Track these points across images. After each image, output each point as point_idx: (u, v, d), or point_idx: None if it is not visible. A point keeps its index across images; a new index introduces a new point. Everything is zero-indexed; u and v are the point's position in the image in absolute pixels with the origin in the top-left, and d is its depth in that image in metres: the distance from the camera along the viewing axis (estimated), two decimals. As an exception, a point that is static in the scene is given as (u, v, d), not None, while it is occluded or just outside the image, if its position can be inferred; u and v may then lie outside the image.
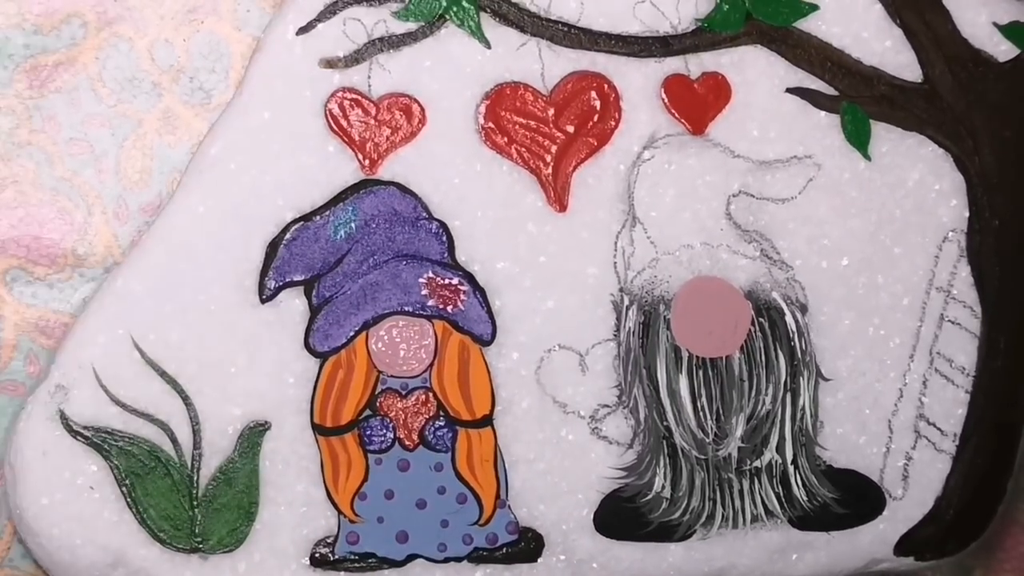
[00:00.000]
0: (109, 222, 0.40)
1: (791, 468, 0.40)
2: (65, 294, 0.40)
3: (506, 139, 0.38)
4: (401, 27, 0.38)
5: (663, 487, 0.40)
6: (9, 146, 0.39)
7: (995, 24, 0.40)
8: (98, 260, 0.39)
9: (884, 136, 0.40)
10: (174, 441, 0.38)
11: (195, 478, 0.38)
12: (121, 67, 0.39)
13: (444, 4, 0.38)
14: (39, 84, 0.39)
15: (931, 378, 0.40)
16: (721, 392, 0.40)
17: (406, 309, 0.38)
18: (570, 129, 0.39)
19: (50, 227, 0.39)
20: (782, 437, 0.40)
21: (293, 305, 0.38)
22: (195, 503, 0.38)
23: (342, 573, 0.39)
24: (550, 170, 0.39)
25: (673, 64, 0.39)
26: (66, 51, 0.39)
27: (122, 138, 0.40)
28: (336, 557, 0.39)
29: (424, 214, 0.38)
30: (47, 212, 0.39)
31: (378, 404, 0.39)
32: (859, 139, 0.40)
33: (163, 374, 0.38)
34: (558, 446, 0.39)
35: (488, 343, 0.39)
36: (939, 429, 0.41)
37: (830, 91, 0.40)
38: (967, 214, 0.40)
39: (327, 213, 0.38)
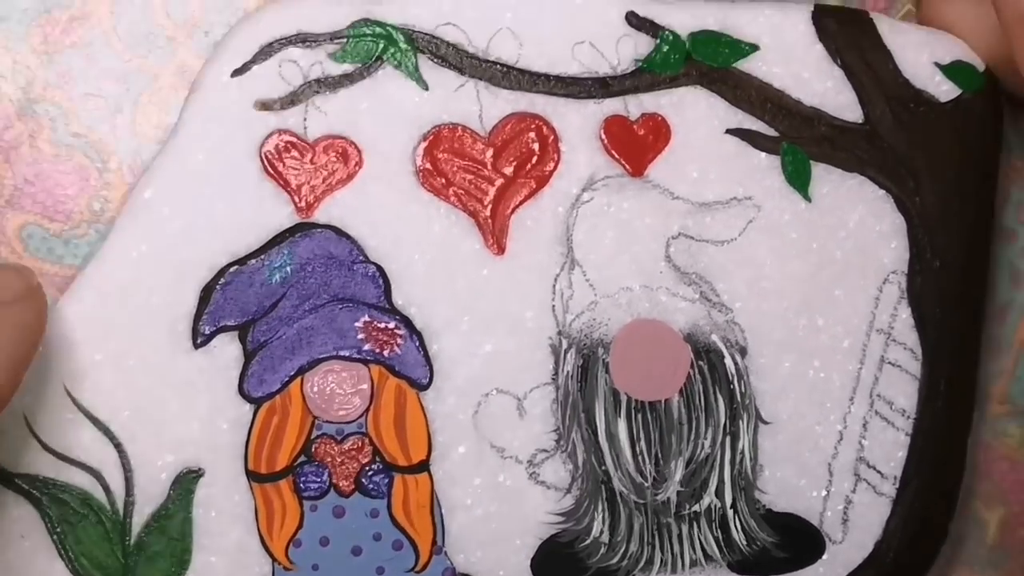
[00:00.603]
0: (124, 177, 0.47)
1: (730, 512, 0.49)
2: (81, 250, 0.47)
3: (444, 181, 0.46)
4: (337, 68, 0.46)
5: (601, 532, 0.48)
6: (24, 102, 0.46)
7: (936, 64, 0.48)
8: (113, 216, 0.47)
9: (824, 177, 0.48)
10: (106, 489, 0.46)
11: (128, 526, 0.46)
12: (136, 21, 0.47)
13: (381, 46, 0.46)
14: (54, 39, 0.46)
15: (871, 420, 0.49)
16: (660, 436, 0.48)
17: (342, 353, 0.46)
18: (508, 171, 0.47)
19: (66, 182, 0.47)
20: (721, 481, 0.48)
21: (227, 350, 0.46)
22: (128, 551, 0.46)
23: (276, 621, 0.47)
24: (488, 212, 0.47)
25: (612, 105, 0.47)
26: (80, 6, 0.46)
27: (138, 93, 0.47)
28: (271, 604, 0.47)
29: (360, 257, 0.46)
30: (63, 168, 0.47)
31: (313, 450, 0.47)
32: (799, 180, 0.48)
33: (96, 421, 0.45)
34: (496, 491, 0.47)
35: (425, 387, 0.47)
36: (879, 472, 0.49)
37: (770, 132, 0.48)
38: (908, 255, 0.49)
39: (262, 257, 0.45)
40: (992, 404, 0.54)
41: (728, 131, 0.47)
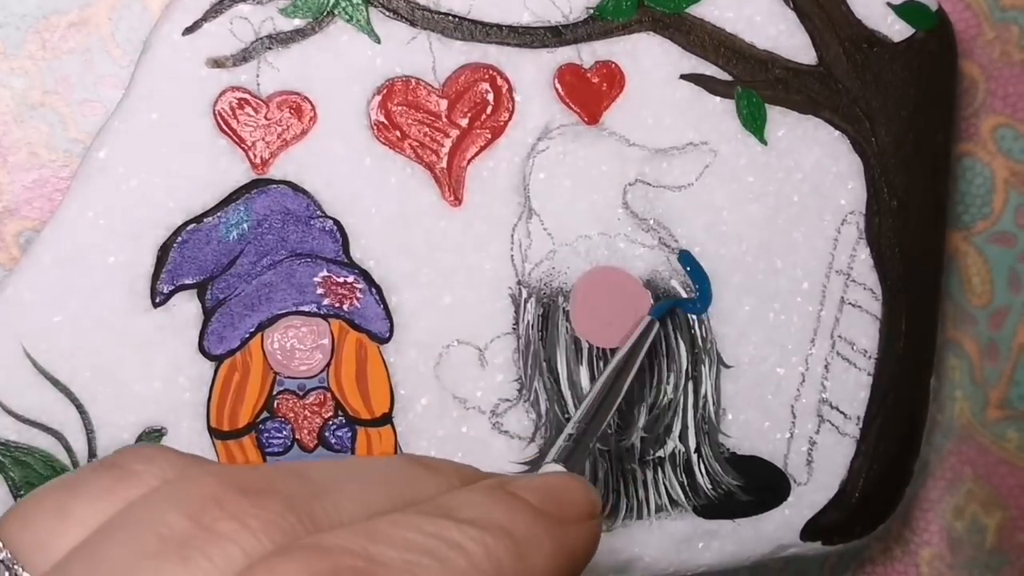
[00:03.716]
0: (122, 183, 0.50)
1: (694, 457, 0.52)
2: (78, 255, 0.50)
3: (399, 134, 0.49)
4: (289, 24, 0.48)
5: (566, 479, 0.51)
6: (22, 108, 0.49)
7: (889, 4, 0.51)
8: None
9: (780, 120, 0.51)
10: (69, 450, 0.48)
11: (92, 486, 0.49)
12: (134, 28, 0.50)
13: (332, 0, 0.48)
14: (52, 45, 0.49)
15: (833, 362, 0.52)
16: (622, 382, 0.51)
17: (301, 309, 0.49)
18: (463, 122, 0.49)
19: (63, 189, 0.50)
20: (685, 426, 0.51)
21: (186, 308, 0.48)
22: (93, 511, 0.49)
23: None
24: (444, 164, 0.50)
25: (566, 54, 0.50)
26: (79, 12, 0.49)
27: (135, 99, 0.50)
28: (238, 561, 0.50)
29: (317, 212, 0.49)
30: (61, 174, 0.50)
31: (275, 406, 0.49)
32: (755, 124, 0.51)
33: (56, 382, 0.48)
34: (459, 442, 0.50)
35: (385, 341, 0.49)
36: (842, 413, 0.52)
37: (724, 76, 0.51)
38: (865, 196, 0.52)
39: (218, 214, 0.48)
40: (991, 409, 0.57)
41: (682, 77, 0.50)
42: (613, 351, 0.50)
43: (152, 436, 0.48)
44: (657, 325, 0.49)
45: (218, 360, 0.49)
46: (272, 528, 0.28)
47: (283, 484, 0.29)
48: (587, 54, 0.50)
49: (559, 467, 0.39)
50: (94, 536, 0.28)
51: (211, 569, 0.26)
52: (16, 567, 0.27)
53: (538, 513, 0.31)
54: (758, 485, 0.52)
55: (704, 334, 0.51)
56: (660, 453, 0.51)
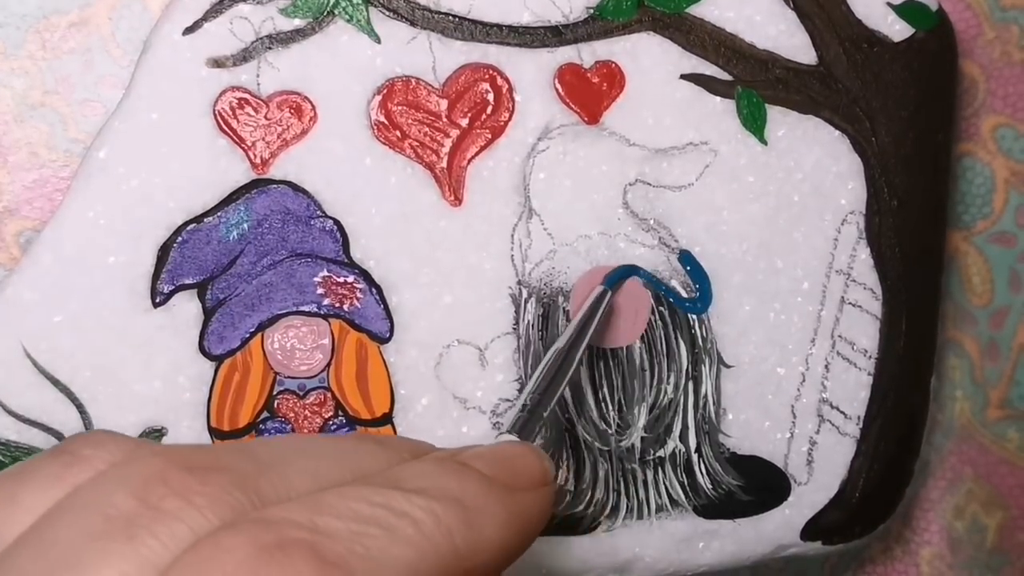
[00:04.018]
0: (123, 183, 0.50)
1: (695, 456, 0.52)
2: (78, 255, 0.50)
3: (399, 134, 0.49)
4: (289, 24, 0.48)
5: (566, 480, 0.51)
6: (22, 107, 0.49)
7: (889, 4, 0.52)
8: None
9: (780, 120, 0.51)
10: (69, 450, 0.49)
11: (92, 486, 0.49)
12: (134, 28, 0.50)
13: (332, 0, 0.49)
14: (52, 45, 0.49)
15: (833, 362, 0.52)
16: (623, 382, 0.51)
17: (302, 309, 0.49)
18: (463, 122, 0.50)
19: (64, 188, 0.50)
20: (685, 426, 0.52)
21: (187, 308, 0.49)
22: (94, 511, 0.49)
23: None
24: (444, 164, 0.50)
25: (566, 54, 0.50)
26: (79, 12, 0.49)
27: (135, 98, 0.50)
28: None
29: (317, 212, 0.49)
30: (61, 174, 0.50)
31: (276, 406, 0.50)
32: (755, 124, 0.51)
33: (56, 382, 0.48)
34: (459, 442, 0.50)
35: (386, 341, 0.50)
36: (843, 413, 0.52)
37: (725, 76, 0.51)
38: (865, 196, 0.52)
39: (219, 214, 0.48)
40: (991, 408, 0.57)
41: (682, 76, 0.50)
42: (604, 351, 0.50)
43: (152, 436, 0.49)
44: (609, 294, 0.48)
45: (218, 360, 0.49)
46: (218, 504, 0.28)
47: (230, 461, 0.29)
48: (587, 54, 0.50)
49: (513, 437, 0.39)
50: (41, 521, 0.28)
51: (157, 546, 0.27)
52: None
53: (489, 481, 0.32)
54: (758, 485, 0.52)
55: (704, 334, 0.51)
56: (660, 453, 0.51)
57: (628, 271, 0.50)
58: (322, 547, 0.27)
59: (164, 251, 0.48)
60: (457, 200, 0.49)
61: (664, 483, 0.52)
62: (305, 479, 0.30)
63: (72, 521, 0.27)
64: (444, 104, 0.49)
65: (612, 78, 0.50)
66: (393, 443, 0.34)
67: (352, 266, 0.49)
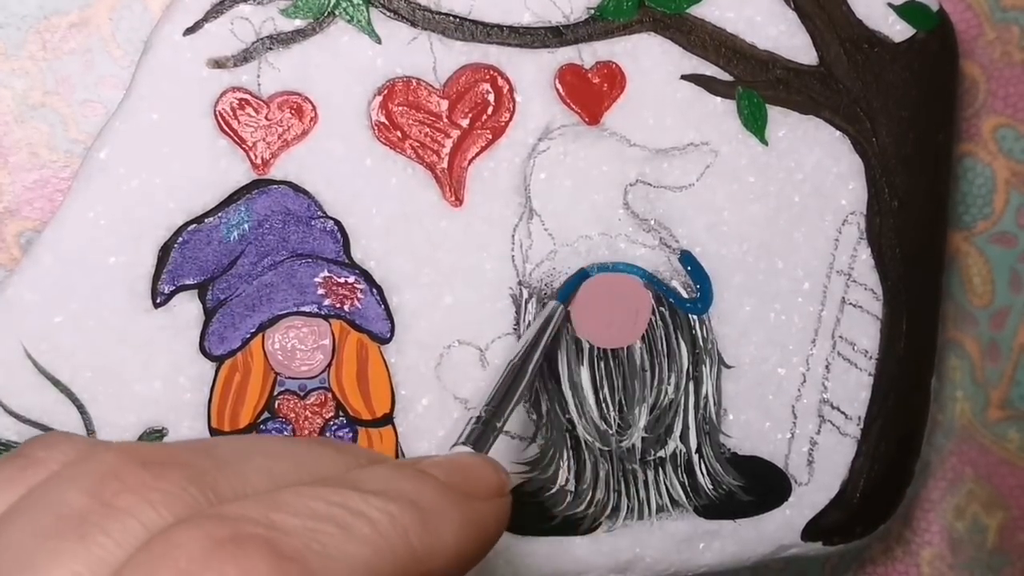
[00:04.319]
0: (123, 183, 0.50)
1: (695, 457, 0.52)
2: (78, 256, 0.50)
3: (399, 134, 0.49)
4: (290, 24, 0.49)
5: (567, 480, 0.51)
6: (23, 108, 0.49)
7: (890, 4, 0.52)
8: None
9: (781, 120, 0.51)
10: (70, 450, 0.49)
11: (93, 487, 0.49)
12: (134, 28, 0.50)
13: (333, 0, 0.49)
14: (52, 45, 0.49)
15: (834, 362, 0.52)
16: (623, 383, 0.51)
17: (302, 309, 0.49)
18: (464, 123, 0.50)
19: (64, 189, 0.50)
20: (686, 426, 0.52)
21: (187, 309, 0.49)
22: (94, 512, 0.49)
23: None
24: (445, 164, 0.50)
25: (566, 54, 0.50)
26: (80, 12, 0.50)
27: (136, 99, 0.50)
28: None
29: (318, 213, 0.49)
30: (62, 174, 0.50)
31: (276, 406, 0.50)
32: (756, 124, 0.51)
33: (57, 383, 0.48)
34: (460, 442, 0.50)
35: (386, 341, 0.50)
36: (843, 413, 0.53)
37: (725, 77, 0.51)
38: (866, 196, 0.52)
39: (219, 215, 0.48)
40: (992, 409, 0.57)
41: (683, 77, 0.51)
42: (605, 351, 0.50)
43: (153, 436, 0.49)
44: (562, 308, 0.49)
45: (219, 360, 0.49)
46: (173, 500, 0.28)
47: (187, 457, 0.29)
48: (588, 54, 0.50)
49: (468, 449, 0.39)
50: None
51: (109, 544, 0.26)
52: None
53: (445, 487, 0.32)
54: (759, 485, 0.52)
55: (705, 334, 0.51)
56: (661, 453, 0.51)
57: (578, 279, 0.50)
58: (278, 542, 0.26)
59: (165, 251, 0.48)
60: (458, 200, 0.49)
61: (665, 483, 0.52)
62: (263, 478, 0.30)
63: (24, 523, 0.27)
64: (445, 104, 0.49)
65: (613, 78, 0.50)
66: (352, 449, 0.34)
67: (353, 266, 0.49)
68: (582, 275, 0.50)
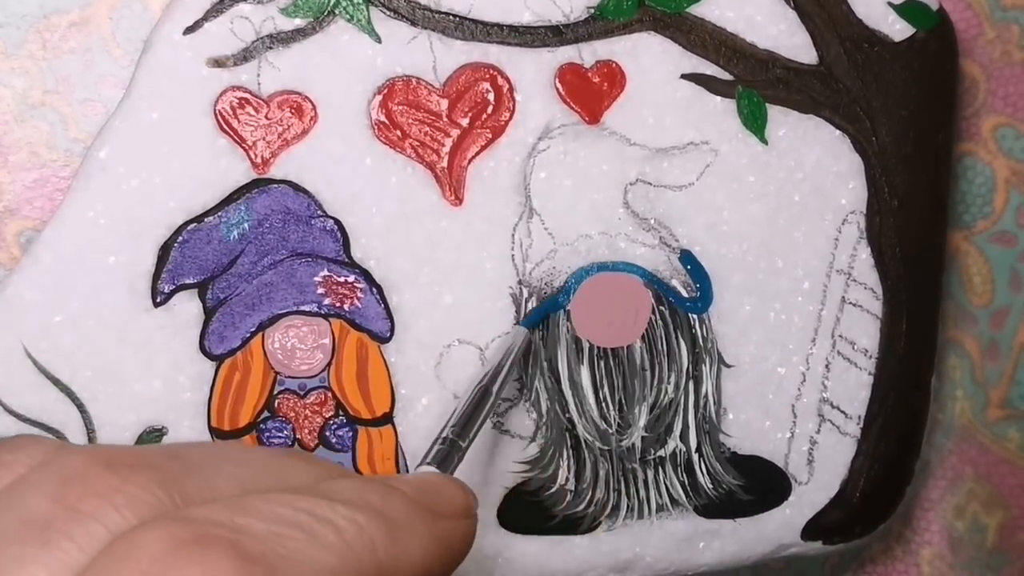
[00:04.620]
0: (123, 182, 0.50)
1: (695, 456, 0.52)
2: (78, 255, 0.50)
3: (399, 134, 0.49)
4: (290, 23, 0.49)
5: (567, 479, 0.51)
6: (23, 107, 0.49)
7: (890, 3, 0.52)
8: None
9: (781, 119, 0.51)
10: (70, 449, 0.49)
11: (93, 486, 0.49)
12: (134, 27, 0.51)
13: (333, 0, 0.49)
14: (52, 44, 0.49)
15: (834, 361, 0.52)
16: (623, 382, 0.51)
17: (302, 308, 0.49)
18: (464, 122, 0.50)
19: (64, 188, 0.50)
20: (686, 425, 0.52)
21: (187, 308, 0.49)
22: (94, 511, 0.49)
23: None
24: (445, 163, 0.50)
25: (566, 53, 0.50)
26: (79, 11, 0.50)
27: (136, 98, 0.50)
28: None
29: (318, 212, 0.49)
30: (62, 173, 0.50)
31: (276, 406, 0.50)
32: (755, 123, 0.51)
33: (57, 382, 0.48)
34: (460, 442, 0.50)
35: (386, 340, 0.50)
36: (843, 412, 0.53)
37: (725, 76, 0.51)
38: (866, 195, 0.52)
39: (219, 214, 0.49)
40: (991, 408, 0.57)
41: (683, 76, 0.51)
42: (605, 351, 0.51)
43: (152, 436, 0.49)
44: (526, 333, 0.49)
45: (219, 360, 0.49)
46: (138, 504, 0.28)
47: (154, 460, 0.29)
48: (588, 53, 0.50)
49: (432, 468, 0.40)
50: None
51: (73, 549, 0.26)
52: None
53: (414, 502, 0.32)
54: (759, 485, 0.52)
55: (705, 333, 0.51)
56: (661, 452, 0.52)
57: (545, 312, 0.50)
58: (242, 544, 0.26)
59: (165, 251, 0.48)
60: (458, 200, 0.50)
61: (665, 483, 0.52)
62: (231, 484, 0.30)
63: None
64: (445, 104, 0.49)
65: (613, 78, 0.50)
66: (323, 463, 0.34)
67: (353, 266, 0.49)
68: (552, 303, 0.50)
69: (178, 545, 0.26)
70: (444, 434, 0.42)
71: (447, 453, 0.41)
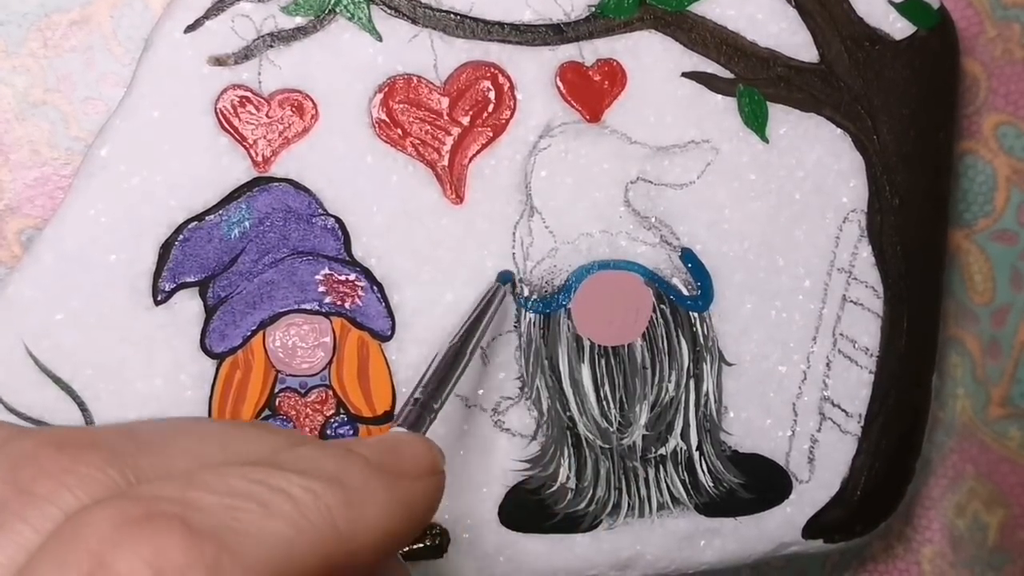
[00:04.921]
0: (123, 181, 0.50)
1: (696, 455, 0.52)
2: (79, 253, 0.50)
3: (400, 132, 0.50)
4: (290, 22, 0.49)
5: (568, 478, 0.51)
6: (24, 105, 0.49)
7: (891, 2, 0.52)
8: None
9: (782, 118, 0.51)
10: (71, 448, 0.49)
11: (94, 484, 0.49)
12: (135, 26, 0.51)
13: (333, -2, 0.49)
14: (53, 43, 0.50)
15: (835, 359, 0.53)
16: (624, 380, 0.51)
17: (303, 307, 0.50)
18: (465, 120, 0.50)
19: (65, 186, 0.50)
20: (686, 424, 0.52)
21: (188, 306, 0.49)
22: (95, 509, 0.49)
23: None
24: (446, 162, 0.50)
25: (567, 52, 0.50)
26: (80, 10, 0.50)
27: (137, 97, 0.50)
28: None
29: (319, 210, 0.49)
30: (63, 172, 0.50)
31: (277, 404, 0.50)
32: (756, 122, 0.51)
33: (58, 380, 0.48)
34: (461, 440, 0.50)
35: (387, 338, 0.50)
36: (844, 410, 0.53)
37: (726, 74, 0.51)
38: (867, 194, 0.52)
39: (220, 212, 0.49)
40: (992, 407, 0.57)
41: (684, 74, 0.51)
42: (606, 349, 0.51)
43: (154, 434, 0.49)
44: (503, 289, 0.49)
45: (220, 358, 0.49)
46: (91, 483, 0.28)
47: (107, 439, 0.29)
48: (589, 52, 0.50)
49: (403, 430, 0.39)
50: None
51: (26, 531, 0.26)
52: None
53: (372, 466, 0.32)
54: (760, 483, 0.52)
55: (706, 332, 0.51)
56: (662, 451, 0.52)
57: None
58: (192, 519, 0.26)
59: (165, 249, 0.48)
60: (458, 198, 0.50)
61: (665, 481, 0.52)
62: (187, 459, 0.30)
63: None
64: (445, 102, 0.50)
65: (613, 76, 0.50)
66: (283, 431, 0.34)
67: (353, 264, 0.49)
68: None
69: (127, 522, 0.26)
70: (415, 395, 0.41)
71: (419, 415, 0.40)
